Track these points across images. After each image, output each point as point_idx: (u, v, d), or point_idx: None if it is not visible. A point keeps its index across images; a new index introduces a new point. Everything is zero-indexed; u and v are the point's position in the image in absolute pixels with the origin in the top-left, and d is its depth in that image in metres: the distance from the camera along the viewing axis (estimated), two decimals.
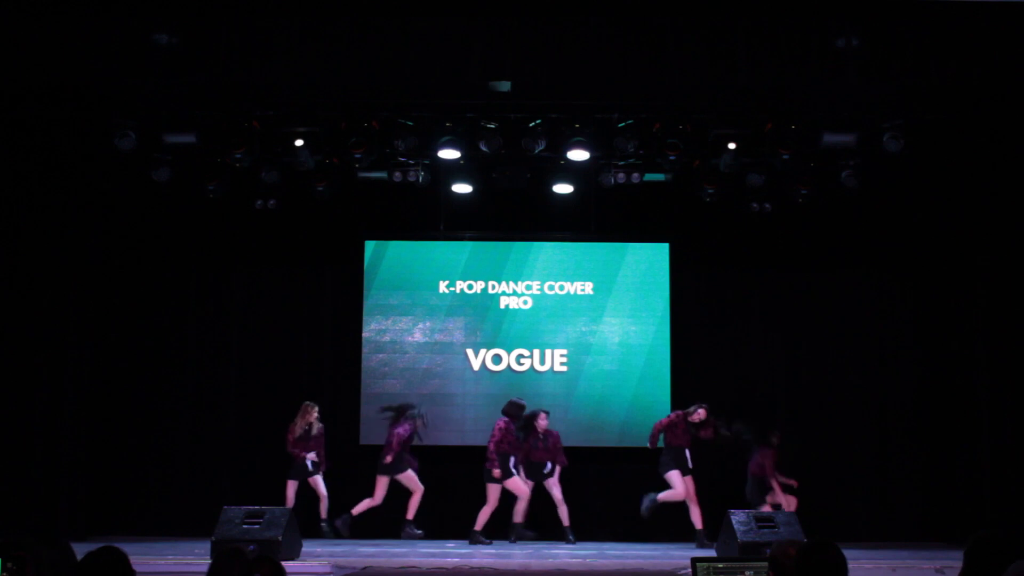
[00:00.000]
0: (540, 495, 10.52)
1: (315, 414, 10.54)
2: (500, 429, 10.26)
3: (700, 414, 10.25)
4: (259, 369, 11.43)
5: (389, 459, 10.30)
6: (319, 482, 10.50)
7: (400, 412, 10.52)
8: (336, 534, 10.34)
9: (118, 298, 11.20)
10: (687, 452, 10.20)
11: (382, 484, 10.37)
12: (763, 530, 8.62)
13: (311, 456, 10.46)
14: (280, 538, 8.48)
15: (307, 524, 10.34)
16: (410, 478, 10.40)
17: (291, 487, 10.41)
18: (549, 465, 10.49)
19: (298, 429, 10.47)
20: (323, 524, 10.45)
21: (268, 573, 4.09)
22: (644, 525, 10.37)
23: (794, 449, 11.02)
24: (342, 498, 10.56)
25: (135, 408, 11.13)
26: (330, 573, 8.04)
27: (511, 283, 11.57)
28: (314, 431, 10.51)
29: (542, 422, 10.47)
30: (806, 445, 11.15)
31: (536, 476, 10.48)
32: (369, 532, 10.43)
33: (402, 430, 10.39)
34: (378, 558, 8.71)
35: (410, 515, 10.29)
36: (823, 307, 11.55)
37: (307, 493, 10.51)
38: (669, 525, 10.43)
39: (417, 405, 10.66)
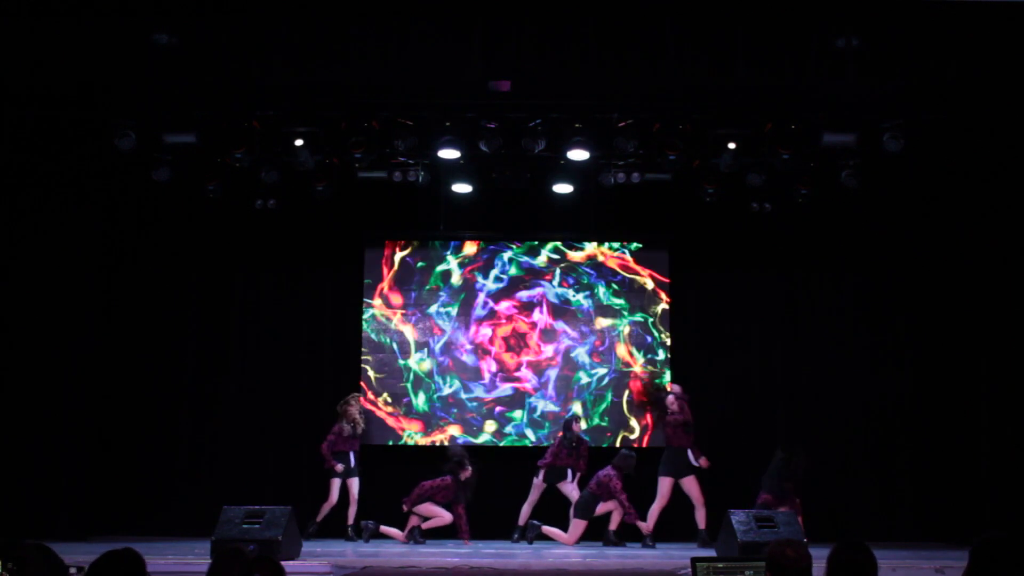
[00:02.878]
0: (555, 496, 10.61)
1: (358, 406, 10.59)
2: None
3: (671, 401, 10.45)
4: (259, 369, 11.43)
5: (405, 508, 10.31)
6: (355, 484, 10.51)
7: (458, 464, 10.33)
8: (362, 536, 10.34)
9: (118, 298, 11.19)
10: (689, 452, 10.24)
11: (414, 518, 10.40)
12: (763, 530, 8.62)
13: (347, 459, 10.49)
14: (280, 538, 8.47)
15: (322, 523, 10.44)
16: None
17: (335, 485, 10.41)
18: (569, 473, 10.55)
19: (347, 428, 10.48)
20: (349, 528, 10.45)
21: (268, 573, 4.10)
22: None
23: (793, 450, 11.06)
24: (342, 497, 10.54)
25: (136, 408, 11.13)
26: (330, 573, 8.04)
27: (511, 283, 11.57)
28: (359, 429, 10.54)
29: (576, 426, 10.60)
30: (806, 445, 11.15)
31: (554, 479, 10.53)
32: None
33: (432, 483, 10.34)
34: (378, 558, 8.71)
35: (425, 525, 10.29)
36: (823, 307, 11.55)
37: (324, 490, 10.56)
38: (669, 525, 10.43)
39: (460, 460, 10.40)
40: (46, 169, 10.36)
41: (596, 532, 10.40)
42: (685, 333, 11.58)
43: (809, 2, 8.51)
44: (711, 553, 9.12)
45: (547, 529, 10.34)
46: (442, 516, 10.24)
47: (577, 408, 11.26)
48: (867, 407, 11.34)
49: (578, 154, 10.05)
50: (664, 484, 10.24)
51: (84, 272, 10.72)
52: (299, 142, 9.87)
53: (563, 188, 10.91)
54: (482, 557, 8.82)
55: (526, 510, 10.55)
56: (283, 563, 4.34)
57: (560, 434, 10.67)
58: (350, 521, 10.47)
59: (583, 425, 10.74)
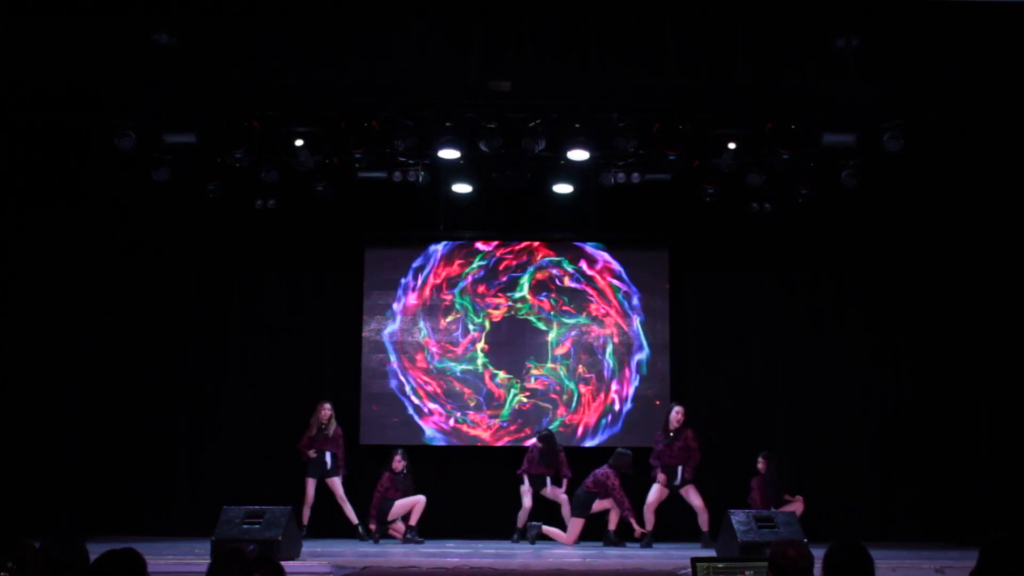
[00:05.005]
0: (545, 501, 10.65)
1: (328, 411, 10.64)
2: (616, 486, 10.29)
3: (677, 417, 10.29)
4: (259, 369, 11.43)
5: (374, 526, 10.34)
6: (337, 484, 10.52)
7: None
8: (370, 535, 10.36)
9: (118, 298, 11.20)
10: (679, 469, 10.24)
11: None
12: (763, 530, 8.61)
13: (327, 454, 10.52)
14: (280, 538, 8.46)
15: (322, 523, 10.45)
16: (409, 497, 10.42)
17: (311, 484, 10.46)
18: (548, 480, 10.57)
19: (314, 429, 10.54)
20: (359, 527, 10.46)
21: (268, 573, 4.10)
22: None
23: (793, 450, 11.06)
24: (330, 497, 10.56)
25: (136, 408, 11.13)
26: (330, 573, 8.03)
27: (511, 282, 11.58)
28: (327, 430, 10.56)
29: (550, 436, 10.59)
30: (806, 445, 11.16)
31: (536, 487, 10.56)
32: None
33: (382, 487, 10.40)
34: (378, 558, 8.71)
35: (412, 520, 10.30)
36: (823, 307, 11.55)
37: (322, 490, 10.55)
38: (670, 525, 10.43)
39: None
40: (47, 169, 10.36)
41: (596, 532, 10.40)
42: (685, 333, 11.58)
43: (809, 2, 8.51)
44: (712, 553, 9.11)
45: (547, 529, 10.35)
46: (416, 501, 10.28)
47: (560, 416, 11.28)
48: (867, 407, 11.34)
49: (578, 154, 10.05)
50: (655, 487, 10.29)
51: (84, 272, 10.73)
52: (299, 142, 9.88)
53: (563, 188, 10.91)
54: (482, 557, 8.80)
55: (522, 517, 10.53)
56: (283, 563, 4.33)
57: (534, 442, 10.68)
58: (353, 521, 10.47)
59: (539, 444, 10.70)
